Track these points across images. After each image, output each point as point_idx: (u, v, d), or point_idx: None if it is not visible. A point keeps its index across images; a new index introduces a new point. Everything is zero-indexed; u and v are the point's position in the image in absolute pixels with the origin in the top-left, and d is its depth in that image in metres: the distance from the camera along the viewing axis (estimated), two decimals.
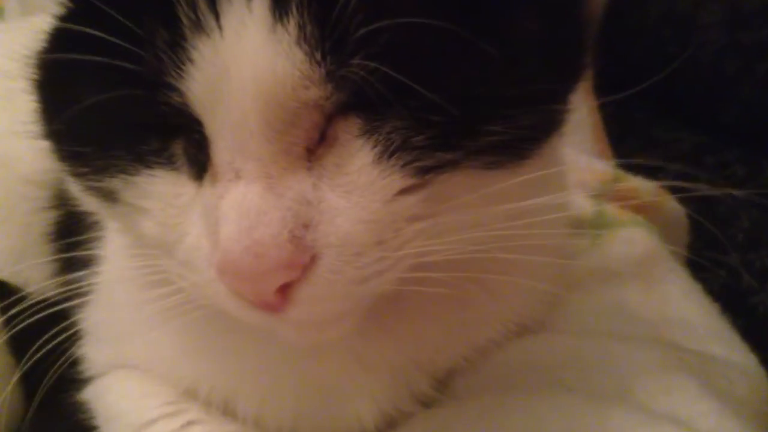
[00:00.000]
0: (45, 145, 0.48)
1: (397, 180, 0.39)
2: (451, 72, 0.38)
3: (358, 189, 0.39)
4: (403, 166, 0.39)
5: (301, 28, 0.36)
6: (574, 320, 0.65)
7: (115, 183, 0.43)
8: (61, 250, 0.69)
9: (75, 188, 0.48)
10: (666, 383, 0.55)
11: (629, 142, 1.04)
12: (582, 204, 0.78)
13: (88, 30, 0.38)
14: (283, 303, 0.40)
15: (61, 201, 0.74)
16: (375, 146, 0.39)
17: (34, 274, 0.72)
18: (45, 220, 0.77)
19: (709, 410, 0.53)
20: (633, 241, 0.75)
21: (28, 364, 0.56)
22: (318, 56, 0.36)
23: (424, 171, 0.39)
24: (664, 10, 1.00)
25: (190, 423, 0.56)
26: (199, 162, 0.41)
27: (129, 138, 0.42)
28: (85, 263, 0.60)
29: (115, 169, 0.43)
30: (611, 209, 0.79)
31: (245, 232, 0.37)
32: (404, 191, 0.39)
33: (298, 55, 0.36)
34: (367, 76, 0.36)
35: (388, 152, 0.39)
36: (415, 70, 0.37)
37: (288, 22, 0.36)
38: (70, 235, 0.63)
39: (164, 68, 0.37)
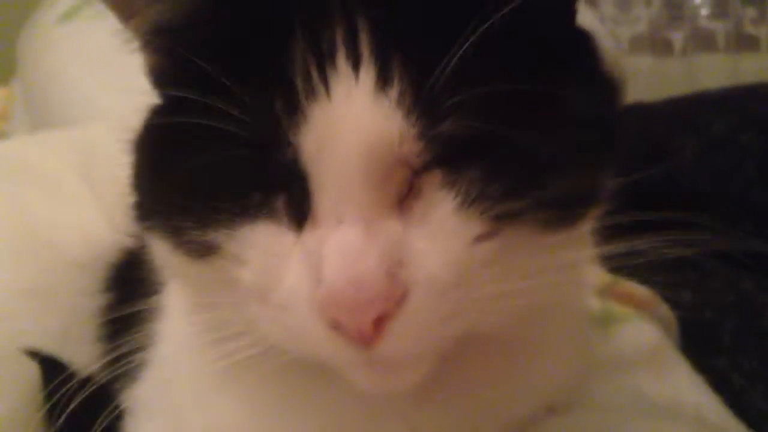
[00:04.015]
0: (139, 211, 0.52)
1: (475, 227, 0.44)
2: (525, 128, 0.44)
3: (441, 234, 0.44)
4: (481, 214, 0.44)
5: (401, 95, 0.42)
6: (597, 399, 0.69)
7: (217, 236, 0.47)
8: (110, 331, 0.71)
9: (164, 249, 0.51)
10: None
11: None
12: (590, 300, 0.84)
13: (202, 99, 0.44)
14: (376, 336, 0.43)
15: (111, 285, 0.77)
16: (456, 196, 0.44)
17: (80, 354, 0.73)
18: (93, 302, 0.78)
19: None
20: (642, 332, 0.81)
21: None
22: (413, 118, 0.42)
23: (498, 219, 0.44)
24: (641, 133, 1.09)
25: None
26: (299, 213, 0.45)
27: (234, 193, 0.46)
28: (136, 342, 0.62)
29: (219, 224, 0.46)
30: (616, 306, 0.85)
31: (349, 266, 0.42)
32: (480, 238, 0.44)
33: (397, 118, 0.42)
34: (455, 136, 0.42)
35: (468, 202, 0.44)
36: (496, 128, 0.43)
37: (390, 90, 0.42)
38: (121, 318, 0.65)
39: (281, 128, 0.43)
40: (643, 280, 0.94)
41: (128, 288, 0.68)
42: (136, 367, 0.63)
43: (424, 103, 0.42)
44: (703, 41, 2.17)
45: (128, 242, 0.78)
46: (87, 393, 0.59)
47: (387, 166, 0.43)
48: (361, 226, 0.43)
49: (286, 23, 0.44)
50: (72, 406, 0.59)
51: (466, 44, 0.42)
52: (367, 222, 0.43)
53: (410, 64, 0.42)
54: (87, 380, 0.64)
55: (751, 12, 2.12)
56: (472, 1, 0.44)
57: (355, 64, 0.43)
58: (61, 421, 0.61)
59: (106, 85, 1.17)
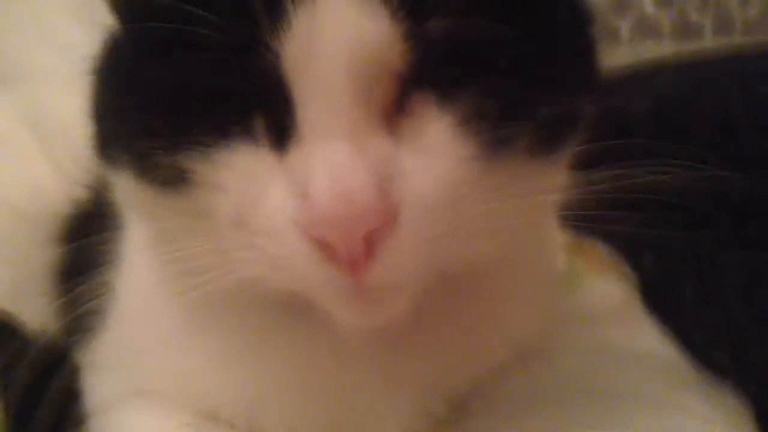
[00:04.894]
0: (100, 139, 0.49)
1: (467, 147, 0.43)
2: (515, 42, 0.43)
3: (432, 153, 0.42)
4: (473, 134, 0.43)
5: None
6: (569, 347, 0.69)
7: (190, 158, 0.44)
8: (64, 283, 0.68)
9: (129, 178, 0.48)
10: (677, 389, 0.59)
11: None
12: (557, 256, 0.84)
13: (176, 3, 0.40)
14: (366, 256, 0.41)
15: (64, 236, 0.73)
16: (450, 116, 0.43)
17: (33, 307, 0.70)
18: (44, 254, 0.75)
19: (718, 417, 0.56)
20: (609, 288, 0.81)
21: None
22: (399, 19, 0.40)
23: (492, 142, 0.43)
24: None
25: None
26: (281, 129, 0.42)
27: (207, 109, 0.43)
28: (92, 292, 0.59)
29: (191, 143, 0.43)
30: (581, 262, 0.85)
31: (338, 181, 0.40)
32: (471, 159, 0.43)
33: (382, 17, 0.40)
34: (441, 37, 0.41)
35: (461, 122, 0.43)
36: (485, 38, 0.41)
37: None
38: (77, 269, 0.62)
39: (261, 32, 0.40)
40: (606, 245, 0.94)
41: (82, 238, 0.65)
42: (93, 318, 0.60)
43: (411, 4, 0.40)
44: (649, 29, 2.22)
45: (82, 193, 0.75)
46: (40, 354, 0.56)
47: (374, 73, 0.41)
48: (349, 140, 0.41)
49: None
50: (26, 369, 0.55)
51: None
52: (356, 137, 0.41)
53: None
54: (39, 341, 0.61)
55: (694, 0, 2.17)
56: None
57: None
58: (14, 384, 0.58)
59: (52, 49, 1.14)
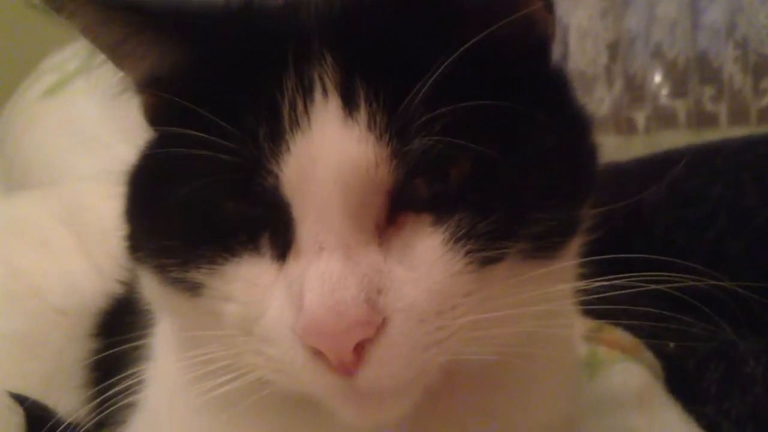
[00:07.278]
0: (130, 244, 0.53)
1: (458, 263, 0.45)
2: (505, 159, 0.45)
3: (423, 264, 0.45)
4: (466, 251, 0.45)
5: (370, 120, 0.44)
6: None
7: (201, 274, 0.47)
8: (98, 376, 0.70)
9: (152, 282, 0.51)
10: None
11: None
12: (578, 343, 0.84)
13: (192, 132, 0.45)
14: (357, 364, 0.43)
15: (99, 330, 0.76)
16: (441, 233, 0.45)
17: (67, 399, 0.72)
18: (78, 348, 0.77)
19: None
20: (629, 372, 0.81)
21: None
22: (386, 141, 0.44)
23: (484, 259, 0.45)
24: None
25: None
26: (282, 243, 0.46)
27: (217, 231, 0.47)
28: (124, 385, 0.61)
29: (203, 261, 0.47)
30: (602, 349, 0.86)
31: (328, 294, 0.42)
32: (463, 273, 0.45)
33: (370, 140, 0.43)
34: (427, 154, 0.44)
35: (453, 239, 0.45)
36: (473, 157, 0.45)
37: (358, 115, 0.44)
38: (109, 362, 0.65)
39: (264, 156, 0.44)
40: (628, 330, 0.95)
41: (117, 333, 0.68)
42: (125, 410, 0.61)
43: (397, 127, 0.44)
44: (665, 119, 2.26)
45: (117, 289, 0.78)
46: None
47: (364, 191, 0.44)
48: (341, 253, 0.44)
49: (278, 61, 0.46)
50: None
51: (437, 73, 0.44)
52: (348, 249, 0.44)
53: (382, 91, 0.44)
54: (74, 427, 0.63)
55: (709, 90, 2.21)
56: (445, 31, 0.46)
57: (325, 96, 0.45)
58: None
59: (88, 154, 1.20)
